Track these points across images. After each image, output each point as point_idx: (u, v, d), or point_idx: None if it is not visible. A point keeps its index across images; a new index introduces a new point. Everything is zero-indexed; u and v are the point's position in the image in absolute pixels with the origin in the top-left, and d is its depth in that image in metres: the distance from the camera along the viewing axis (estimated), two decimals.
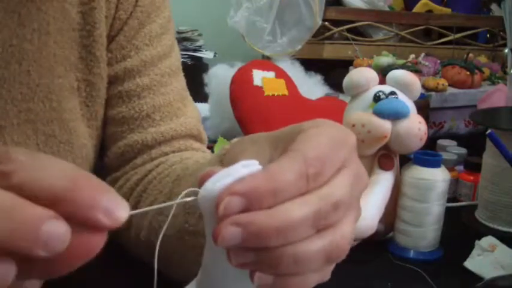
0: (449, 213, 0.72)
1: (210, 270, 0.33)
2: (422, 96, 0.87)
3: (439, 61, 1.34)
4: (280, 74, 1.10)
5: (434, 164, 0.69)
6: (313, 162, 0.30)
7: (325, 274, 0.33)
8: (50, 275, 0.25)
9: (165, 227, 0.33)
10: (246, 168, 0.30)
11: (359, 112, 0.70)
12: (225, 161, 0.43)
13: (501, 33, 1.65)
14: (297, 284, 0.32)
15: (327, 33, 1.59)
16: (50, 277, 0.25)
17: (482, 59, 1.50)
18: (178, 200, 0.31)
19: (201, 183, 0.31)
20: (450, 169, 0.84)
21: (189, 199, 0.31)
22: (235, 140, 0.45)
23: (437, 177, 0.69)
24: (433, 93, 1.18)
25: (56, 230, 0.24)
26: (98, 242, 0.25)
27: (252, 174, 0.30)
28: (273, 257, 0.30)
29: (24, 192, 0.24)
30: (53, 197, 0.24)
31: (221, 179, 0.29)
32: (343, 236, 0.32)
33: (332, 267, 0.33)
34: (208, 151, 0.65)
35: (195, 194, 0.30)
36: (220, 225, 0.29)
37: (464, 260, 0.67)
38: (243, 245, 0.29)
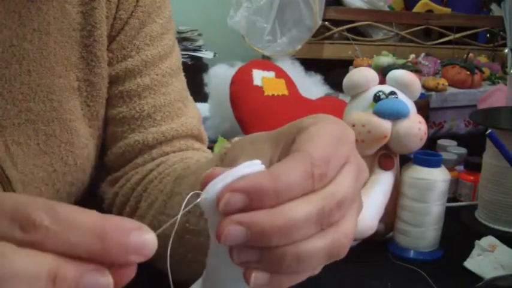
0: (449, 213, 0.72)
1: (215, 271, 0.33)
2: (422, 96, 0.87)
3: (439, 61, 1.34)
4: (280, 74, 1.10)
5: (434, 164, 0.69)
6: (319, 162, 0.30)
7: (317, 269, 0.33)
8: None
9: (173, 234, 0.33)
10: (248, 168, 0.30)
11: (359, 112, 0.70)
12: (226, 160, 0.43)
13: (501, 33, 1.65)
14: (291, 281, 0.32)
15: (327, 33, 1.59)
16: None
17: (482, 59, 1.50)
18: (186, 209, 0.31)
19: (203, 184, 0.30)
20: (450, 169, 0.84)
21: (194, 203, 0.30)
22: (236, 139, 0.45)
23: (437, 177, 0.69)
24: (433, 93, 1.18)
25: (99, 282, 0.25)
26: (132, 271, 0.27)
27: (255, 173, 0.29)
28: (276, 256, 0.30)
29: (58, 254, 0.25)
30: (87, 256, 0.25)
31: (223, 180, 0.29)
32: (345, 233, 0.32)
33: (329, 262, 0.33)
34: (209, 151, 0.65)
35: (198, 195, 0.30)
36: (223, 223, 0.29)
37: (464, 260, 0.67)
38: (246, 244, 0.29)
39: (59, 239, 0.25)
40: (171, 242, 0.33)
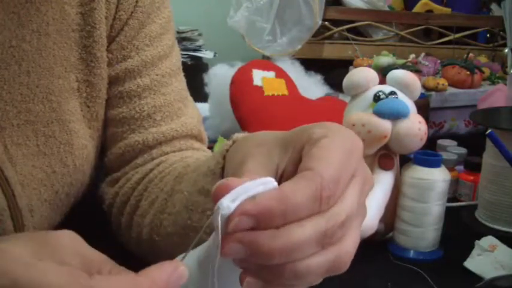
0: (449, 213, 0.72)
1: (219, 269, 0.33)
2: (422, 96, 0.87)
3: (439, 61, 1.34)
4: (280, 74, 1.10)
5: (434, 164, 0.69)
6: (328, 184, 0.31)
7: (317, 281, 0.33)
8: None
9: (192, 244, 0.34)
10: (263, 185, 0.30)
11: (359, 112, 0.70)
12: (230, 161, 0.43)
13: (501, 33, 1.65)
14: None
15: (327, 33, 1.59)
16: None
17: (482, 58, 1.50)
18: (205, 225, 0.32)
19: (216, 196, 0.31)
20: (450, 169, 0.84)
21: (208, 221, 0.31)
22: (237, 135, 0.45)
23: (437, 177, 0.69)
24: (433, 93, 1.18)
25: None
26: None
27: (266, 194, 0.30)
28: (274, 271, 0.30)
29: None
30: None
31: (239, 197, 0.30)
32: (347, 251, 0.32)
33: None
34: (209, 151, 0.66)
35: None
36: (226, 240, 0.30)
37: (464, 260, 0.67)
38: (247, 259, 0.30)
39: None
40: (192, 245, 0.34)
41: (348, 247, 0.32)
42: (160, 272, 0.29)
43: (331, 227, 0.31)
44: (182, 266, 0.30)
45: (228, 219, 0.30)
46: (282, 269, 0.30)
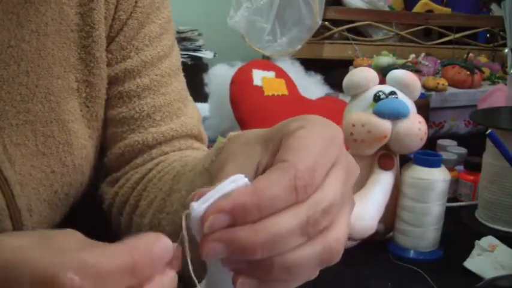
0: (449, 213, 0.72)
1: (212, 274, 0.33)
2: (422, 96, 0.87)
3: (439, 61, 1.34)
4: (280, 74, 1.10)
5: (434, 164, 0.69)
6: (303, 174, 0.30)
7: (314, 274, 0.33)
8: None
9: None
10: (233, 183, 0.30)
11: (359, 112, 0.70)
12: (218, 160, 0.43)
13: (501, 33, 1.65)
14: (283, 287, 0.32)
15: (327, 33, 1.59)
16: None
17: (482, 58, 1.50)
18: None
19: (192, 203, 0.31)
20: (450, 169, 0.84)
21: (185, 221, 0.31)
22: (231, 134, 0.45)
23: (437, 177, 0.69)
24: (433, 93, 1.18)
25: None
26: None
27: (238, 190, 0.30)
28: (263, 266, 0.30)
29: None
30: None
31: (208, 200, 0.30)
32: (336, 239, 0.32)
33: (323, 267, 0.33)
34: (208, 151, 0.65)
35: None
36: (204, 241, 0.29)
37: (464, 260, 0.67)
38: (231, 258, 0.30)
39: None
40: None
41: (337, 235, 0.32)
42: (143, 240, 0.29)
43: (312, 214, 0.30)
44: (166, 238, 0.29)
45: (202, 221, 0.29)
46: (270, 263, 0.30)
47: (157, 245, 0.28)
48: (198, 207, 0.30)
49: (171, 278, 0.29)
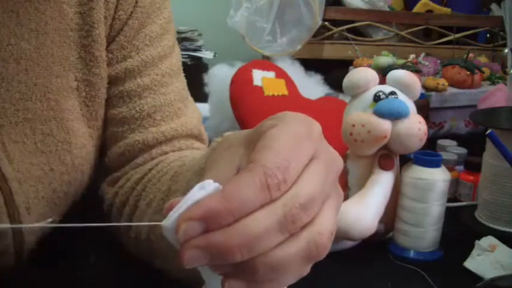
0: (449, 213, 0.72)
1: (210, 282, 0.33)
2: (422, 96, 0.87)
3: (439, 61, 1.34)
4: (280, 74, 1.10)
5: (434, 164, 0.69)
6: (273, 172, 0.30)
7: (304, 271, 0.32)
8: None
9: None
10: (203, 190, 0.30)
11: (359, 112, 0.70)
12: (207, 162, 0.43)
13: (501, 33, 1.65)
14: (276, 287, 0.31)
15: (327, 33, 1.59)
16: None
17: (482, 59, 1.50)
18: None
19: (165, 215, 0.31)
20: (450, 169, 0.84)
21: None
22: (227, 134, 0.45)
23: (437, 177, 0.69)
24: (433, 93, 1.18)
25: None
26: None
27: (209, 196, 0.30)
28: (248, 267, 0.30)
29: None
30: None
31: (179, 209, 0.30)
32: (320, 232, 0.31)
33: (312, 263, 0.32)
34: None
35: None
36: (181, 249, 0.29)
37: (464, 260, 0.67)
38: (213, 263, 0.29)
39: None
40: None
41: (321, 228, 0.31)
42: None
43: (289, 211, 0.30)
44: None
45: (176, 232, 0.29)
46: (253, 264, 0.30)
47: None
48: (170, 217, 0.30)
49: None
